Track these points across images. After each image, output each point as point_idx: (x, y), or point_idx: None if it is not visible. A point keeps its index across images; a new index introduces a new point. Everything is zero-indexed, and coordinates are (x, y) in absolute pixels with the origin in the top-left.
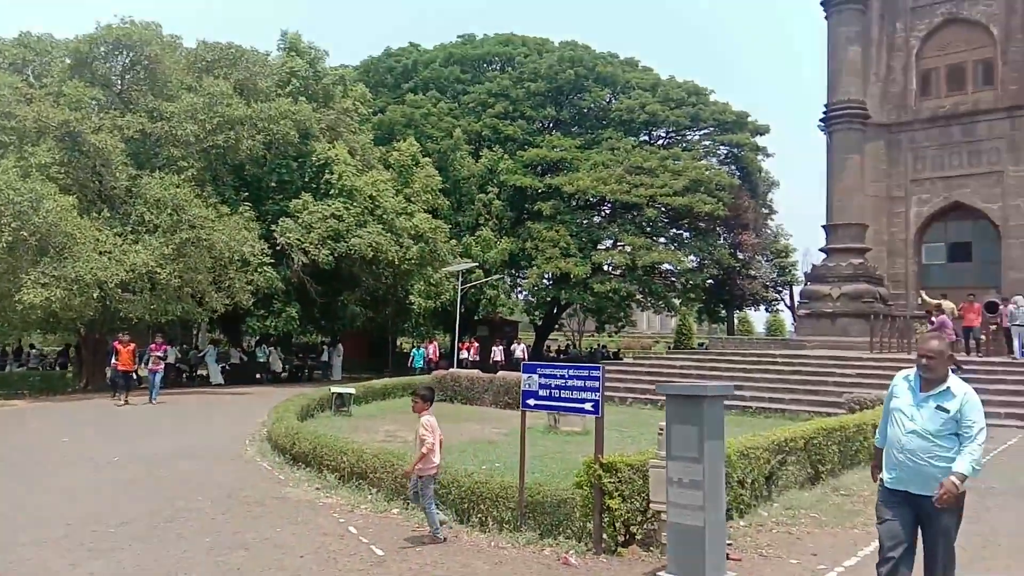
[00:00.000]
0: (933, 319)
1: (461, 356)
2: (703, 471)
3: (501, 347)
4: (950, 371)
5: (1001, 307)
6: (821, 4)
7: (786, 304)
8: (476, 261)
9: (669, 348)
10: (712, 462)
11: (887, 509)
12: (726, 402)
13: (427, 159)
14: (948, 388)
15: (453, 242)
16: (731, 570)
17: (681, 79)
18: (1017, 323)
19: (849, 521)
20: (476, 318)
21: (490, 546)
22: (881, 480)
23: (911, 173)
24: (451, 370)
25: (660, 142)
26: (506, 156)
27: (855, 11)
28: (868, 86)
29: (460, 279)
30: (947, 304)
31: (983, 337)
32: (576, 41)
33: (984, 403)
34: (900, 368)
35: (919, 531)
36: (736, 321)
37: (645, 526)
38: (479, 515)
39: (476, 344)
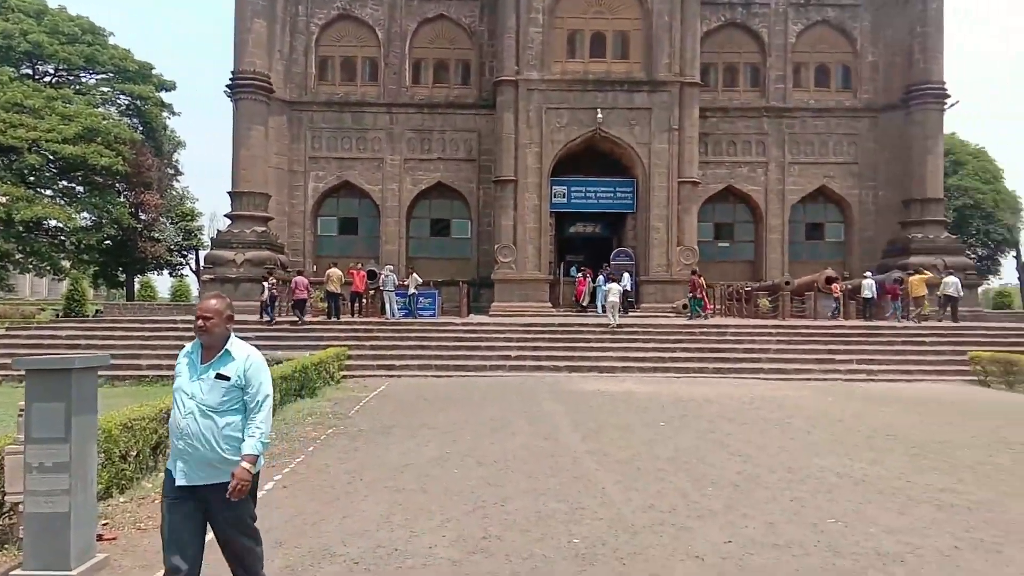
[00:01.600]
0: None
1: None
2: (70, 452)
3: None
4: (232, 333)
5: (379, 273)
6: None
7: (191, 269)
8: None
9: (57, 316)
10: (81, 441)
11: (172, 511)
12: (120, 373)
13: None
14: (227, 352)
15: None
16: (102, 551)
17: (74, 12)
18: (387, 288)
19: None
20: None
21: None
22: (168, 472)
23: (310, 151)
24: None
25: (48, 80)
26: None
27: None
28: (273, 62)
29: None
30: (335, 271)
31: (365, 300)
32: None
33: (366, 357)
34: (297, 331)
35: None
36: (138, 286)
37: (2, 522)
38: None
39: None
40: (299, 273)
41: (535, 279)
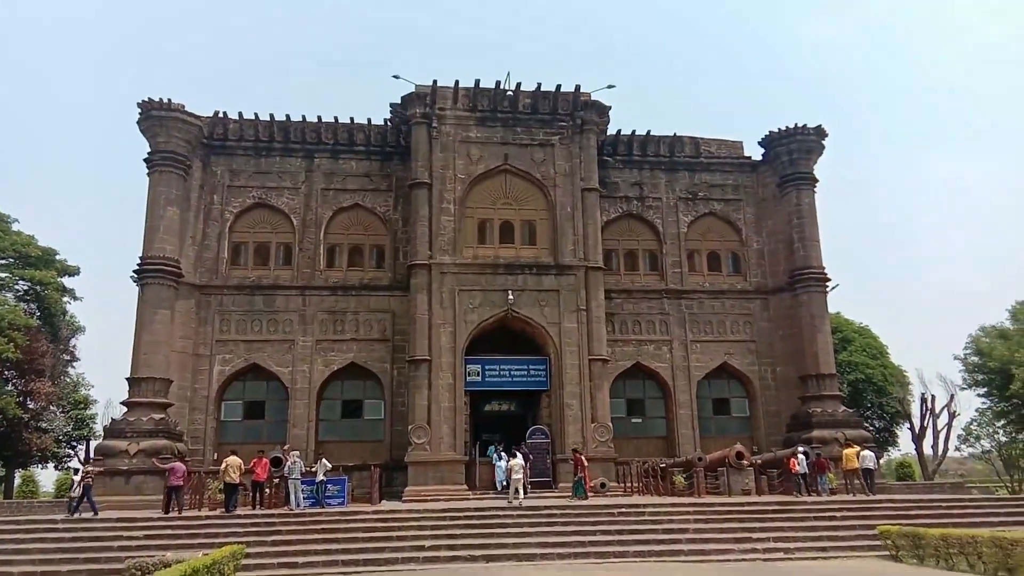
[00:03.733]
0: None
1: None
2: None
3: None
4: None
5: (285, 460)
6: (144, 160)
7: (80, 461)
8: None
9: None
10: None
11: None
12: None
13: None
14: None
15: None
16: None
17: None
18: (293, 476)
19: None
20: None
21: None
22: None
23: (217, 334)
24: None
25: None
26: None
27: (176, 176)
28: (184, 247)
29: None
30: (234, 460)
31: (268, 490)
32: None
33: (266, 554)
34: (190, 526)
35: None
36: (18, 480)
37: None
38: None
39: None
40: (179, 459)
41: (450, 460)
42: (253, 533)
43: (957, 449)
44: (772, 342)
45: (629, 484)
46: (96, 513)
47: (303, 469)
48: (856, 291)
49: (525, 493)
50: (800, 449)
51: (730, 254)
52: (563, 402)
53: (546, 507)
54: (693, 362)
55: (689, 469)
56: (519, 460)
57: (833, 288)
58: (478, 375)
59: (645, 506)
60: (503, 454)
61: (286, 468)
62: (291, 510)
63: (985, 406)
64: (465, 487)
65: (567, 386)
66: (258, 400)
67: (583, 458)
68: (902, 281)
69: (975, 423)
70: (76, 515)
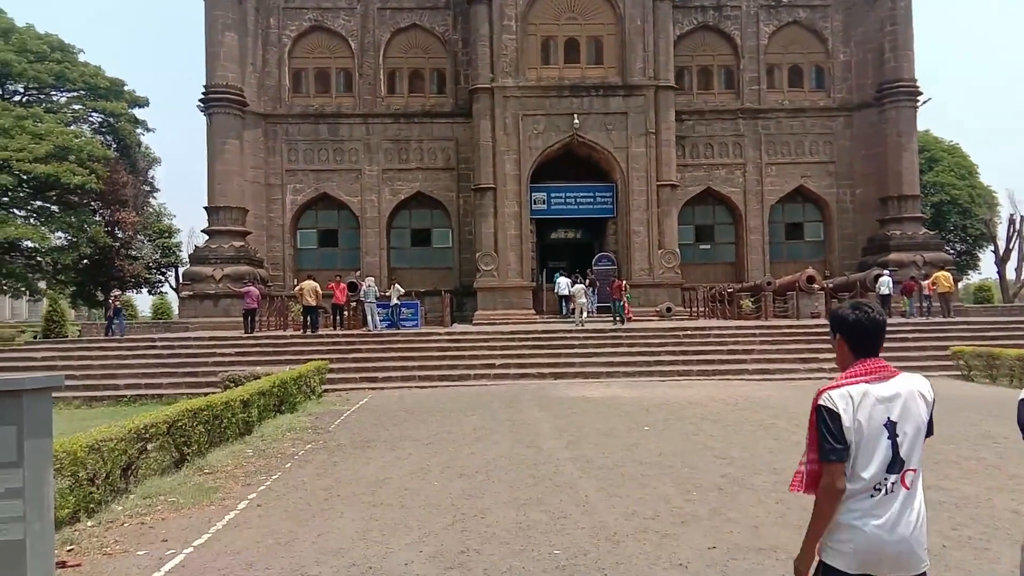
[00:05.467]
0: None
1: None
2: (23, 477)
3: None
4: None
5: (360, 285)
6: None
7: (171, 286)
8: None
9: (36, 337)
10: (35, 466)
11: None
12: (97, 394)
13: None
14: None
15: None
16: None
17: (43, 30)
18: (368, 300)
19: (207, 499)
20: None
21: None
22: None
23: (286, 163)
24: None
25: (17, 99)
26: None
27: None
28: (246, 74)
29: None
30: (310, 284)
31: (346, 313)
32: None
33: (348, 370)
34: (276, 345)
35: None
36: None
37: None
38: None
39: None
40: (253, 283)
41: (518, 286)
42: (335, 351)
43: None
44: (853, 162)
45: (696, 309)
46: (123, 333)
47: (378, 293)
48: (948, 105)
49: (588, 316)
50: (887, 271)
51: (813, 67)
52: (630, 229)
53: (612, 330)
54: (767, 186)
55: (757, 293)
56: (581, 285)
57: (924, 103)
58: (544, 203)
59: (710, 328)
60: (569, 281)
61: (362, 292)
62: (369, 331)
63: None
64: (532, 312)
65: (634, 213)
66: (331, 228)
67: (623, 283)
68: (1003, 95)
69: None
70: (109, 334)
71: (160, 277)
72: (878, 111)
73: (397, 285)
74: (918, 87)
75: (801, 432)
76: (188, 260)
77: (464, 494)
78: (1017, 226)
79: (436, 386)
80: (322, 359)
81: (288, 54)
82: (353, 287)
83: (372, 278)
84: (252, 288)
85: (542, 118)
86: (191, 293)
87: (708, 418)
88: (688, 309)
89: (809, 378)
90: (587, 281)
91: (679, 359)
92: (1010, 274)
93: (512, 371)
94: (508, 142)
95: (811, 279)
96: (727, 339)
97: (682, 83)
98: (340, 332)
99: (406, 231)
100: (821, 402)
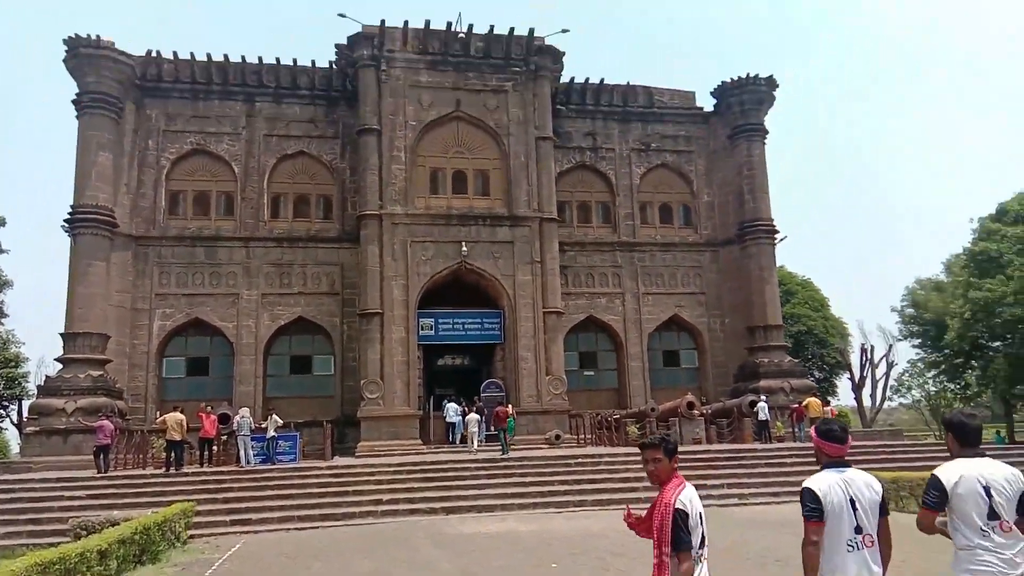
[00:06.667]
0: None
1: None
2: None
3: None
4: None
5: (233, 417)
6: (73, 102)
7: (12, 422)
8: None
9: None
10: None
11: None
12: None
13: None
14: None
15: None
16: None
17: None
18: (242, 433)
19: None
20: None
21: None
22: None
23: (157, 287)
24: None
25: None
26: None
27: (109, 119)
28: (119, 195)
29: None
30: (174, 416)
31: (216, 447)
32: None
33: (218, 511)
34: (135, 485)
35: None
36: None
37: None
38: None
39: None
40: (107, 416)
41: (405, 415)
42: (203, 491)
43: (888, 399)
44: (721, 294)
45: (583, 436)
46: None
47: (252, 425)
48: (800, 244)
49: (480, 446)
50: (763, 398)
51: (681, 206)
52: (517, 355)
53: (502, 459)
54: (645, 314)
55: (642, 420)
56: (475, 415)
57: (781, 240)
58: (431, 329)
59: (600, 456)
60: (459, 408)
61: (235, 424)
62: (241, 467)
63: (918, 357)
64: (419, 442)
65: (521, 339)
66: (202, 356)
67: (509, 410)
68: (848, 233)
69: (907, 374)
70: None
71: (0, 412)
72: (740, 247)
73: (274, 416)
74: (774, 226)
75: (712, 559)
76: (36, 392)
77: None
78: (869, 355)
79: (318, 526)
80: (188, 500)
81: (166, 176)
82: (225, 419)
83: (246, 408)
84: (105, 422)
85: (431, 245)
86: (37, 429)
87: (614, 551)
88: (576, 436)
89: (705, 504)
90: (475, 408)
91: (573, 488)
92: (866, 400)
93: (401, 507)
94: (396, 267)
95: (691, 405)
96: (618, 466)
97: (564, 216)
98: (208, 469)
99: (285, 358)
100: None
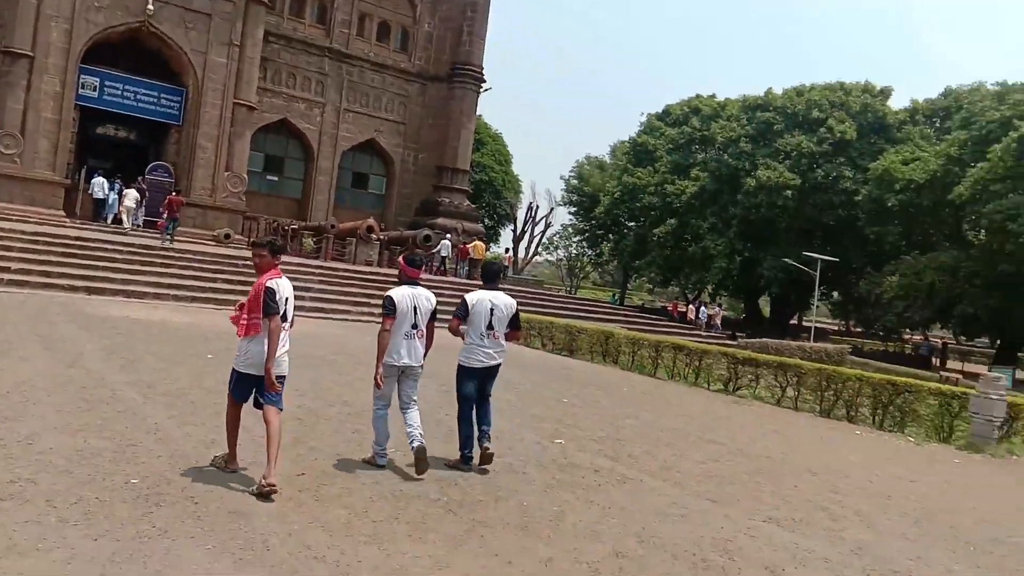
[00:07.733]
0: None
1: None
2: None
3: None
4: None
5: None
6: None
7: None
8: None
9: None
10: None
11: None
12: None
13: None
14: None
15: None
16: None
17: None
18: None
19: None
20: None
21: None
22: None
23: None
24: None
25: None
26: None
27: None
28: None
29: None
30: None
31: None
32: None
33: None
34: None
35: None
36: None
37: None
38: None
39: None
40: None
41: (48, 181)
42: None
43: (538, 254)
44: (421, 128)
45: (256, 239)
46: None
47: None
48: (502, 98)
49: (134, 228)
50: (447, 236)
51: (401, 28)
52: (196, 142)
53: (161, 248)
54: (343, 131)
55: (320, 234)
56: (135, 192)
57: (486, 90)
58: (94, 90)
59: None
60: (108, 184)
61: None
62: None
63: (571, 223)
64: (63, 213)
65: (203, 126)
66: None
67: (180, 200)
68: (550, 101)
69: (558, 235)
70: None
71: None
72: (448, 87)
73: None
74: (483, 75)
75: (361, 369)
76: None
77: None
78: (533, 213)
79: None
80: None
81: None
82: None
83: None
84: None
85: None
86: None
87: None
88: (248, 238)
89: (360, 320)
90: (135, 188)
91: (237, 288)
92: (521, 252)
93: (34, 279)
94: (59, 5)
95: (371, 228)
96: (288, 274)
97: (275, 3)
98: None
99: None
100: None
